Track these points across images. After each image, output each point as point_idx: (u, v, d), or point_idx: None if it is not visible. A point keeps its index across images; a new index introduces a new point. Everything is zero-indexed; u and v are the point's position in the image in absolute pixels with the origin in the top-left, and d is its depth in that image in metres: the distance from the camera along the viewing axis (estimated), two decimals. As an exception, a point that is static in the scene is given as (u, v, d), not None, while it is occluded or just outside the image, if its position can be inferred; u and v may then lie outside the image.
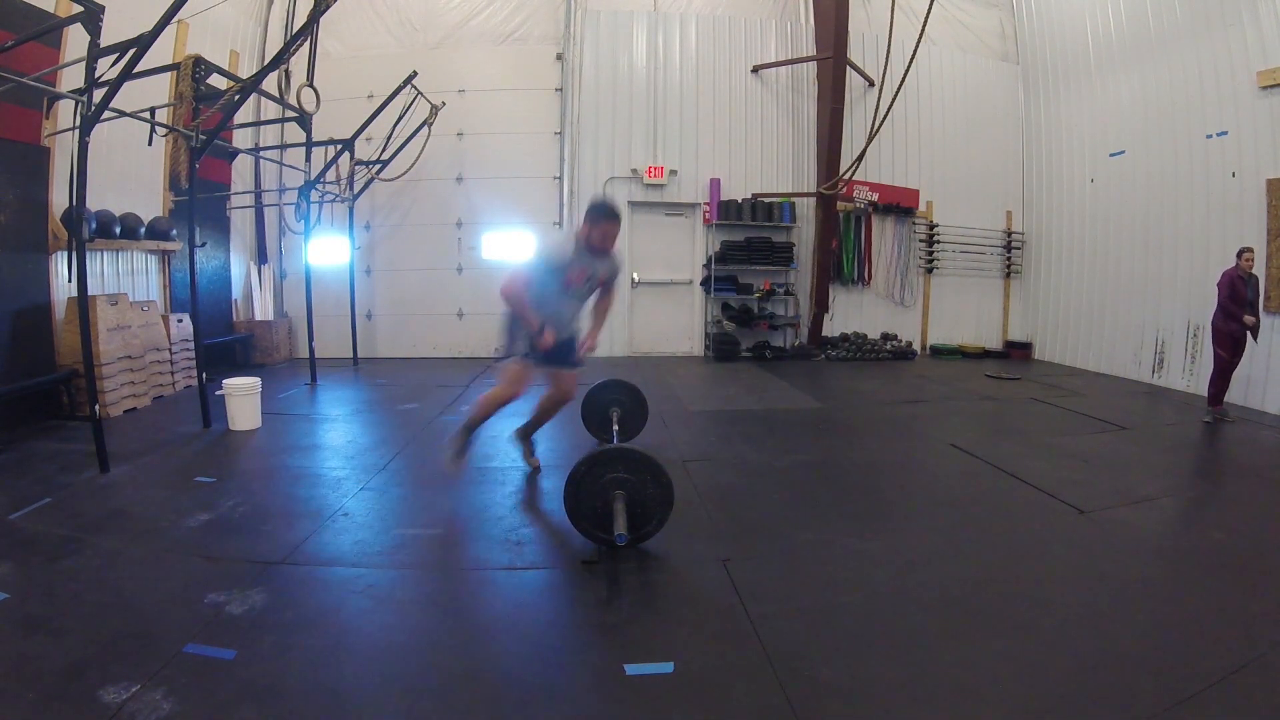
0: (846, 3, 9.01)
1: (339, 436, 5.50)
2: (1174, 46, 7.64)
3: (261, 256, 9.46)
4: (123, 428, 5.47)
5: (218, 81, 6.07)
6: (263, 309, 9.17)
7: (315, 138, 7.58)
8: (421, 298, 9.65)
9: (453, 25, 9.46)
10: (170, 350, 6.80)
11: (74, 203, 4.60)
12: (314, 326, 7.81)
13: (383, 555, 3.24)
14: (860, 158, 8.37)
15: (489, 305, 9.64)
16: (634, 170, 9.66)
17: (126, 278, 6.77)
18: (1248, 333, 5.84)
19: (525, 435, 4.45)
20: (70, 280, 4.82)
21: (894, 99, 7.84)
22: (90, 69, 4.23)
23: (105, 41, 4.26)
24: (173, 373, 6.83)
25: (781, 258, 9.79)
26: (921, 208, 10.28)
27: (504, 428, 5.74)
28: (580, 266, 3.80)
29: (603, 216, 3.75)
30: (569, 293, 3.88)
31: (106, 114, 4.50)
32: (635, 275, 9.89)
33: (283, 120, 8.02)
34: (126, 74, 4.39)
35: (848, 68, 9.25)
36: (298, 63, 7.37)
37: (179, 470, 4.47)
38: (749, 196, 9.77)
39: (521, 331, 3.83)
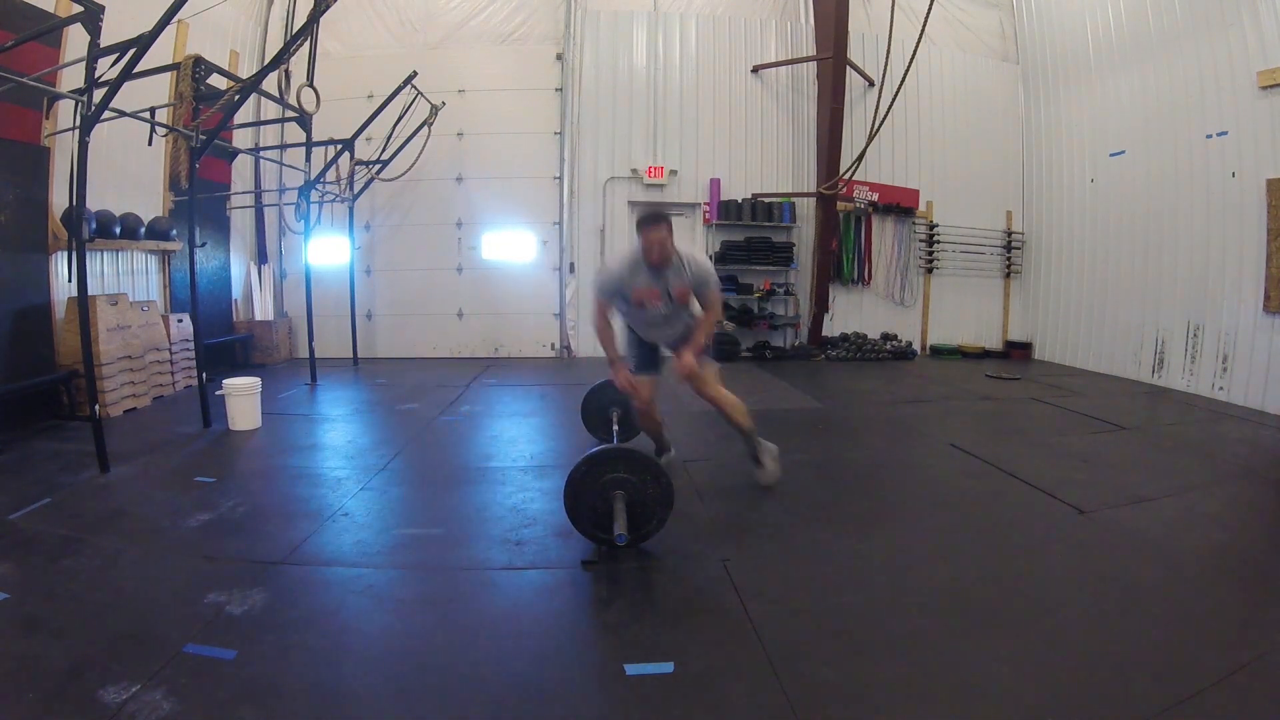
0: (846, 3, 9.01)
1: (339, 436, 5.50)
2: (1174, 46, 7.63)
3: (261, 256, 9.46)
4: (123, 428, 5.47)
5: (218, 81, 6.08)
6: (263, 309, 9.17)
7: (315, 138, 7.58)
8: (421, 298, 9.64)
9: (453, 25, 9.45)
10: (170, 350, 6.80)
11: (74, 203, 4.60)
12: (314, 326, 7.81)
13: (383, 555, 3.25)
14: (860, 158, 8.37)
15: (489, 305, 9.69)
16: (634, 170, 9.65)
17: (126, 278, 6.77)
18: None
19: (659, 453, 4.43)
20: (70, 280, 4.82)
21: (894, 99, 7.84)
22: (90, 69, 4.23)
23: (105, 41, 4.26)
24: (173, 373, 6.83)
25: (781, 258, 9.78)
26: (921, 208, 10.27)
27: (503, 428, 5.75)
28: (644, 286, 3.51)
29: (641, 224, 3.43)
30: (647, 315, 3.62)
31: (106, 114, 4.50)
32: (635, 275, 9.88)
33: (283, 120, 8.01)
34: (126, 74, 4.39)
35: (848, 68, 9.24)
36: (298, 63, 7.36)
37: (179, 470, 4.47)
38: (749, 196, 9.76)
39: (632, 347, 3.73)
